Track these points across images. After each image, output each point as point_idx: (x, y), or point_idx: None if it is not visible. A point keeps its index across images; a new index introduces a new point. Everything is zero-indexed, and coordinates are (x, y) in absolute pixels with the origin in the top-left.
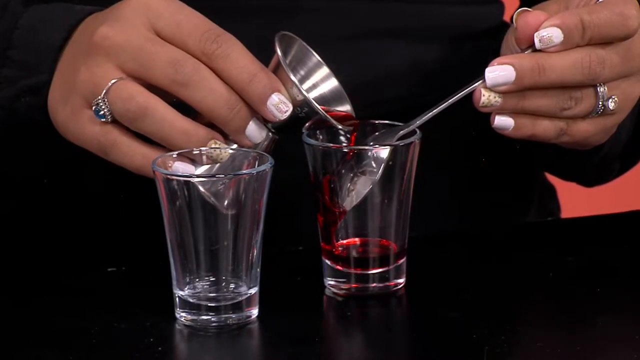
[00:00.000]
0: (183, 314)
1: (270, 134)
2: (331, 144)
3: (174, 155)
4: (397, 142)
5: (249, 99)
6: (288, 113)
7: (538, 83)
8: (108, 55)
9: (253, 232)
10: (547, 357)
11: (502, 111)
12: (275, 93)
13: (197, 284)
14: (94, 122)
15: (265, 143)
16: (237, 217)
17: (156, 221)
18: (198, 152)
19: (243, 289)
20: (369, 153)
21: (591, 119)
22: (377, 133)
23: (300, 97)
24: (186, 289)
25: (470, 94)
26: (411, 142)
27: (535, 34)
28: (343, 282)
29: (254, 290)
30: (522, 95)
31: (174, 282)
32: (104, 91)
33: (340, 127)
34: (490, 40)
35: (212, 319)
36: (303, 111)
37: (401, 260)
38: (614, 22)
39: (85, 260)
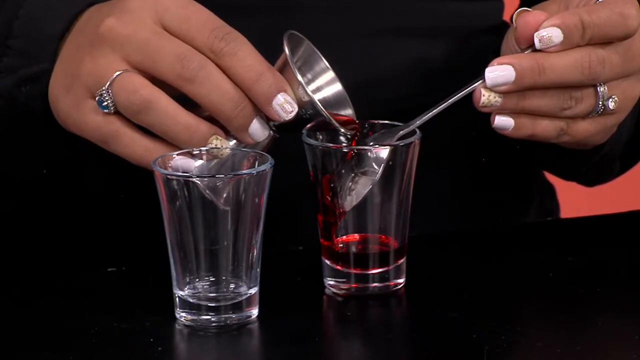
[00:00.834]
0: (183, 314)
1: (271, 132)
2: (331, 144)
3: (174, 155)
4: (397, 142)
5: (254, 97)
6: (293, 114)
7: (538, 83)
8: (114, 46)
9: (253, 232)
10: (547, 357)
11: (502, 111)
12: (281, 93)
13: (197, 284)
14: (96, 112)
15: (266, 141)
16: (237, 217)
17: (156, 221)
18: (198, 152)
19: (243, 289)
20: (369, 153)
21: (591, 119)
22: (377, 133)
23: (306, 98)
24: (186, 289)
25: (470, 94)
26: (411, 142)
27: (535, 34)
28: (343, 282)
29: (254, 290)
30: (522, 95)
31: (174, 282)
32: (109, 82)
33: (342, 130)
34: (491, 38)
35: (212, 319)
36: (307, 113)
37: (401, 260)
38: (613, 21)
39: (86, 260)
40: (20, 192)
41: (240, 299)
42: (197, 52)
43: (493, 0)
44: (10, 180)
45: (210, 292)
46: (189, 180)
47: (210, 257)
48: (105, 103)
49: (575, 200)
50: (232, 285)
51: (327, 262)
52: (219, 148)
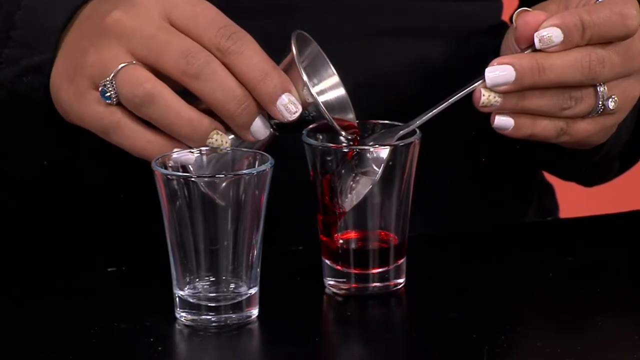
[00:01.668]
0: (183, 314)
1: (271, 130)
2: (331, 144)
3: (174, 155)
4: (397, 142)
5: (259, 97)
6: (297, 114)
7: (538, 83)
8: (119, 39)
9: (253, 232)
10: (547, 357)
11: (502, 111)
12: (285, 93)
13: (197, 283)
14: (98, 103)
15: (266, 139)
16: (237, 216)
17: (156, 221)
18: (198, 152)
19: (243, 288)
20: (369, 153)
21: (591, 119)
22: (377, 133)
23: (310, 100)
24: (186, 288)
25: (470, 93)
26: (411, 142)
27: (535, 34)
28: (343, 282)
29: (254, 290)
30: (522, 95)
31: (174, 282)
32: (113, 74)
33: (343, 134)
34: (491, 38)
35: (212, 318)
36: (310, 115)
37: (401, 260)
38: (613, 21)
39: (86, 260)
40: (20, 192)
41: (240, 299)
42: (203, 49)
43: (492, 1)
44: (10, 179)
45: (210, 292)
46: (189, 180)
47: (210, 257)
48: (109, 94)
49: (574, 200)
50: (232, 285)
51: (327, 262)
52: (219, 143)
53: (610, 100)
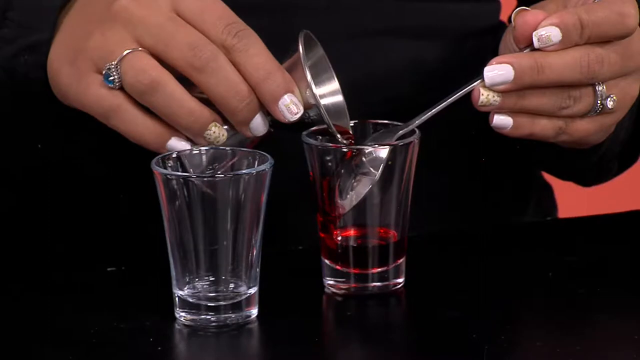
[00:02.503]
0: (183, 314)
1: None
2: (330, 144)
3: (174, 155)
4: (396, 142)
5: (262, 96)
6: (298, 115)
7: (537, 82)
8: (126, 26)
9: (253, 231)
10: (547, 357)
11: (501, 110)
12: (288, 94)
13: (196, 283)
14: (99, 86)
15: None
16: (237, 216)
17: (156, 221)
18: (198, 152)
19: (243, 288)
20: (368, 153)
21: (590, 118)
22: (376, 133)
23: (312, 102)
24: (186, 288)
25: (469, 93)
26: (410, 142)
27: (534, 33)
28: (343, 281)
29: (253, 290)
30: (520, 94)
31: (174, 282)
32: (118, 58)
33: (339, 138)
34: (488, 39)
35: (212, 318)
36: (310, 117)
37: (400, 260)
38: (612, 20)
39: (85, 259)
40: (20, 191)
41: (239, 298)
42: (210, 43)
43: (490, 1)
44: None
45: (209, 292)
46: (188, 180)
47: (210, 256)
48: (112, 78)
49: (573, 200)
50: (231, 285)
51: (327, 261)
52: (216, 136)
53: (609, 99)
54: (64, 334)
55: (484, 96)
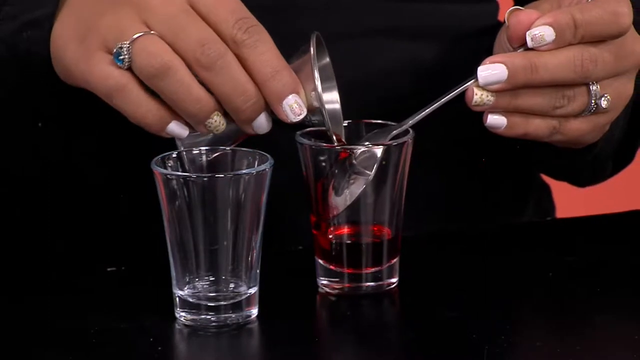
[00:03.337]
0: (183, 314)
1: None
2: (324, 143)
3: (174, 155)
4: (390, 142)
5: (266, 94)
6: (301, 116)
7: (530, 81)
8: (139, 12)
9: (253, 231)
10: (547, 357)
11: (494, 110)
12: (293, 94)
13: (196, 283)
14: (107, 64)
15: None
16: (237, 216)
17: (156, 221)
18: (198, 151)
19: (243, 288)
20: (362, 153)
21: (584, 118)
22: (369, 133)
23: (315, 104)
24: (186, 288)
25: (463, 92)
26: (404, 142)
27: (528, 33)
28: (336, 281)
29: (253, 290)
30: (514, 93)
31: (174, 282)
32: (132, 39)
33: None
34: (486, 39)
35: (212, 318)
36: (310, 120)
37: (394, 260)
38: (606, 20)
39: (85, 260)
40: (20, 191)
41: (239, 298)
42: (219, 40)
43: (487, 2)
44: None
45: (210, 292)
46: (188, 180)
47: (210, 256)
48: (122, 57)
49: (570, 199)
50: (231, 285)
51: (321, 261)
52: (216, 125)
53: (602, 98)
54: (64, 334)
55: (478, 96)
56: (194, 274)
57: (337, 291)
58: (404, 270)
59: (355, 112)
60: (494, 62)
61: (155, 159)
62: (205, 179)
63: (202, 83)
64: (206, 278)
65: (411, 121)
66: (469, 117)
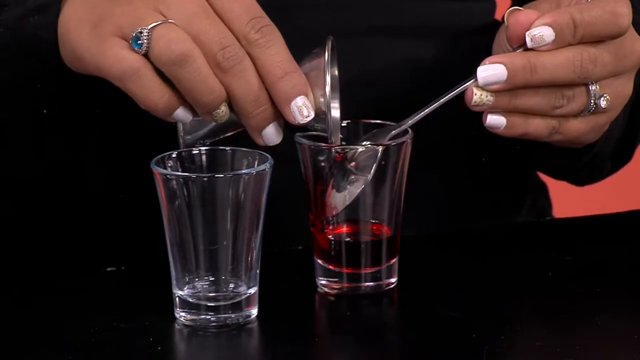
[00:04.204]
0: (182, 314)
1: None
2: (323, 144)
3: (174, 155)
4: (389, 142)
5: (275, 95)
6: (309, 119)
7: (530, 82)
8: (156, 4)
9: (252, 231)
10: (547, 357)
11: (494, 110)
12: (301, 96)
13: (196, 283)
14: (122, 48)
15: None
16: (237, 216)
17: (156, 221)
18: (197, 151)
19: (242, 288)
20: (361, 153)
21: (583, 117)
22: (368, 133)
23: (322, 109)
24: (186, 288)
25: (462, 93)
26: (403, 142)
27: (527, 33)
28: (335, 281)
29: (253, 290)
30: (514, 94)
31: (174, 282)
32: (151, 25)
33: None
34: (483, 38)
35: (212, 318)
36: (314, 126)
37: (393, 260)
38: (605, 20)
39: (86, 260)
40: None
41: (239, 298)
42: (238, 44)
43: (485, 0)
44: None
45: (209, 292)
46: (188, 180)
47: (210, 256)
48: (141, 42)
49: (567, 198)
50: (231, 285)
51: (320, 261)
52: (221, 114)
53: (602, 98)
54: (64, 334)
55: (477, 96)
56: (194, 274)
57: (336, 291)
58: (403, 270)
59: (354, 110)
60: (493, 62)
61: (155, 159)
62: (205, 178)
63: None
64: (206, 278)
65: (410, 121)
66: (468, 117)
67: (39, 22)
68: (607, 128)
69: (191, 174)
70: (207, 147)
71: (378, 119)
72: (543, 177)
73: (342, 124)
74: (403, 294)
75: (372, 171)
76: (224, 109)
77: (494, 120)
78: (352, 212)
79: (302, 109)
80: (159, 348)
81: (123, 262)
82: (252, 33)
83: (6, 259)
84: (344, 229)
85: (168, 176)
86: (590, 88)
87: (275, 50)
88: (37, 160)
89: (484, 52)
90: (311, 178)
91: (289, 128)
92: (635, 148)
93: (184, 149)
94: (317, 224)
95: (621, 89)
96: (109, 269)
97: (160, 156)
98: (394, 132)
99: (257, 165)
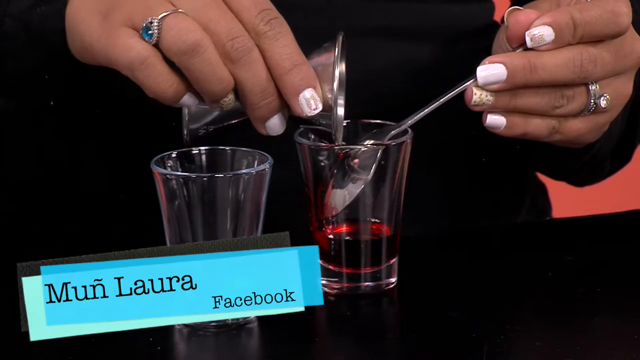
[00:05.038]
0: None
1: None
2: (323, 143)
3: (174, 155)
4: (389, 142)
5: (283, 87)
6: (317, 111)
7: (530, 81)
8: None
9: (252, 231)
10: (547, 357)
11: (494, 110)
12: (309, 88)
13: None
14: (131, 37)
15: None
16: (237, 216)
17: (156, 221)
18: (197, 151)
19: None
20: (361, 153)
21: (583, 117)
22: (368, 133)
23: (329, 104)
24: None
25: (462, 92)
26: (403, 142)
27: (527, 33)
28: (335, 281)
29: None
30: (513, 93)
31: None
32: (162, 15)
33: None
34: (482, 39)
35: None
36: (319, 122)
37: (393, 260)
38: (605, 19)
39: None
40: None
41: None
42: (248, 36)
43: (483, 2)
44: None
45: None
46: (188, 180)
47: None
48: (151, 32)
49: (566, 199)
50: None
51: (319, 261)
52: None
53: (602, 98)
54: None
55: (477, 96)
56: None
57: (336, 291)
58: (403, 270)
59: (353, 111)
60: (493, 62)
61: (155, 158)
62: (205, 178)
63: None
64: None
65: (410, 121)
66: (468, 117)
67: (47, 12)
68: (607, 128)
69: (191, 174)
70: (207, 147)
71: (378, 119)
72: (543, 177)
73: (343, 124)
74: (403, 293)
75: (372, 171)
76: (230, 97)
77: (494, 120)
78: (352, 212)
79: (310, 102)
80: (159, 348)
81: None
82: (261, 25)
83: (6, 259)
84: (344, 228)
85: (168, 176)
86: (590, 88)
87: (284, 42)
88: (37, 159)
89: (484, 53)
90: (311, 178)
91: (293, 120)
92: (635, 148)
93: (186, 137)
94: (316, 223)
95: (621, 88)
96: None
97: (160, 156)
98: (394, 132)
99: (257, 165)
